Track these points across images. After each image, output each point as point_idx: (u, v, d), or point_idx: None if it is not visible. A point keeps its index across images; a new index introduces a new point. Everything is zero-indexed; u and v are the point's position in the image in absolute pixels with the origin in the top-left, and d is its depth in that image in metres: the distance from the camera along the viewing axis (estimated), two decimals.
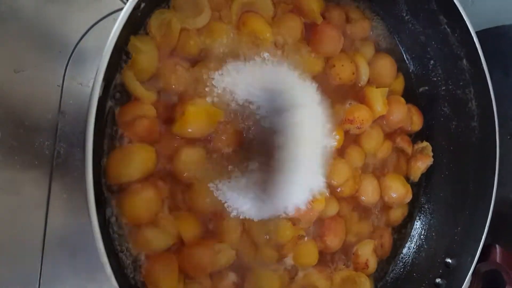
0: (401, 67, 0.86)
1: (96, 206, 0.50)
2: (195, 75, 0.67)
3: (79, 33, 0.74)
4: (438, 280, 0.78)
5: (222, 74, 0.68)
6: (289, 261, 0.74)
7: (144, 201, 0.62)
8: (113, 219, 0.61)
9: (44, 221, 0.71)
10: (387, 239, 0.84)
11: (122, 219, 0.61)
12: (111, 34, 0.52)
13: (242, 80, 0.69)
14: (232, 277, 0.70)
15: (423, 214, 0.89)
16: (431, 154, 0.85)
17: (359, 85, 0.80)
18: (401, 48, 0.87)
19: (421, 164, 0.84)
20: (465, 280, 0.74)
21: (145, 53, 0.63)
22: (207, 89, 0.67)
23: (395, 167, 0.85)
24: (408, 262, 0.86)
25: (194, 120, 0.64)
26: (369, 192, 0.79)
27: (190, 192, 0.66)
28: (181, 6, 0.68)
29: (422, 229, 0.87)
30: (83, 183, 0.51)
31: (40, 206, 0.71)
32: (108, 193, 0.61)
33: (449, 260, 0.79)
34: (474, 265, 0.74)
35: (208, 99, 0.67)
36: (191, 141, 0.66)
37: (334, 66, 0.77)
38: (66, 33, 0.74)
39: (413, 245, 0.87)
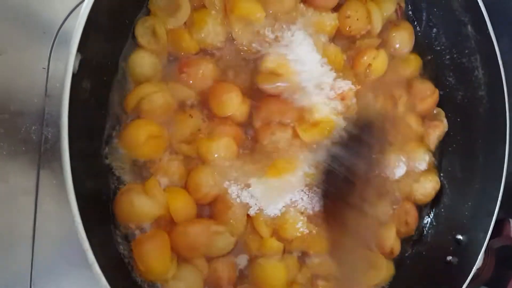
0: None
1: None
2: None
3: (64, 13, 0.72)
4: (449, 258, 0.75)
5: None
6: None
7: None
8: None
9: (34, 208, 0.69)
10: (412, 214, 0.79)
11: None
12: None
13: None
14: (232, 261, 0.67)
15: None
16: (445, 119, 0.81)
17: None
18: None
19: (436, 131, 0.80)
20: (477, 257, 0.70)
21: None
22: None
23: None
24: (417, 240, 0.82)
25: None
26: None
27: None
28: (159, 7, 0.66)
29: (430, 205, 0.83)
30: None
31: (29, 193, 0.69)
32: None
33: (460, 237, 0.75)
34: (487, 241, 0.70)
35: None
36: None
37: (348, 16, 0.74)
38: (50, 14, 0.72)
39: (422, 222, 0.83)
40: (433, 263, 0.77)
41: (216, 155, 0.65)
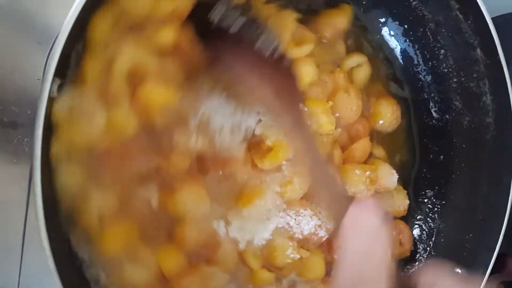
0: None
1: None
2: None
3: (59, 24, 0.70)
4: None
5: None
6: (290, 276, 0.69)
7: None
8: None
9: (24, 220, 0.68)
10: (406, 234, 0.77)
11: None
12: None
13: None
14: None
15: (431, 218, 0.82)
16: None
17: None
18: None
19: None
20: None
21: None
22: None
23: None
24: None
25: None
26: None
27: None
28: None
29: (430, 235, 0.81)
30: None
31: (19, 205, 0.68)
32: None
33: (459, 271, 0.72)
34: (487, 276, 0.68)
35: None
36: None
37: None
38: (46, 25, 0.71)
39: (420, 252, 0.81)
40: None
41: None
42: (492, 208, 0.71)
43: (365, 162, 0.76)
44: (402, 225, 0.77)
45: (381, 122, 0.79)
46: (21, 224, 0.68)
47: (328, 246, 0.71)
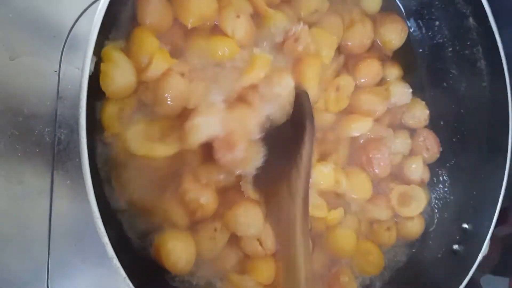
0: None
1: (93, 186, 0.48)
2: None
3: (73, 16, 0.73)
4: (455, 246, 0.76)
5: None
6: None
7: None
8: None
9: (49, 209, 0.71)
10: (431, 138, 0.82)
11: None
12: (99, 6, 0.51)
13: None
14: None
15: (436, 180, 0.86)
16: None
17: None
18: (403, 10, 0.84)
19: None
20: (483, 245, 0.71)
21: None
22: None
23: None
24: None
25: None
26: None
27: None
28: None
29: (436, 196, 0.84)
30: None
31: (44, 194, 0.71)
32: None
33: (465, 226, 0.76)
34: (492, 229, 0.71)
35: None
36: None
37: None
38: (60, 17, 0.73)
39: (427, 211, 0.84)
40: (440, 252, 0.78)
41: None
42: (493, 167, 0.75)
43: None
44: (425, 132, 0.81)
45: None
46: (47, 213, 0.70)
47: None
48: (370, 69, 0.78)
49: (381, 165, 0.76)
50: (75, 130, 0.72)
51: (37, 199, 0.70)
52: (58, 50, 0.72)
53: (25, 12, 0.71)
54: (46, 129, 0.71)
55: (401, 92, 0.79)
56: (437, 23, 0.82)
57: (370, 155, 0.76)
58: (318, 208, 0.70)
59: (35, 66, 0.71)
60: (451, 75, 0.83)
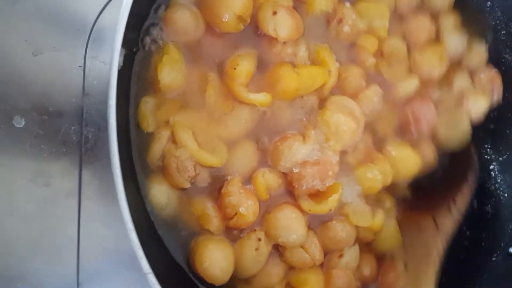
0: None
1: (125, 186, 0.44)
2: None
3: (97, 8, 0.70)
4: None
5: None
6: None
7: None
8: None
9: (77, 210, 0.68)
10: (497, 81, 0.77)
11: None
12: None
13: None
14: None
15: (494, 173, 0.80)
16: None
17: None
18: None
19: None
20: None
21: None
22: None
23: None
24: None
25: None
26: None
27: None
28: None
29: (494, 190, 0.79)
30: None
31: (72, 195, 0.68)
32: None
33: None
34: None
35: None
36: None
37: None
38: (83, 10, 0.70)
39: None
40: (494, 255, 0.73)
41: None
42: None
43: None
44: (493, 72, 0.76)
45: None
46: (75, 213, 0.68)
47: None
48: (422, 26, 0.73)
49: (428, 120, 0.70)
50: (102, 128, 0.70)
51: (66, 201, 0.68)
52: (83, 44, 0.69)
53: (47, 5, 0.68)
54: (72, 128, 0.69)
55: (456, 43, 0.74)
56: (489, 3, 0.76)
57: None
58: (363, 216, 0.64)
59: (59, 61, 0.68)
60: (504, 60, 0.77)
